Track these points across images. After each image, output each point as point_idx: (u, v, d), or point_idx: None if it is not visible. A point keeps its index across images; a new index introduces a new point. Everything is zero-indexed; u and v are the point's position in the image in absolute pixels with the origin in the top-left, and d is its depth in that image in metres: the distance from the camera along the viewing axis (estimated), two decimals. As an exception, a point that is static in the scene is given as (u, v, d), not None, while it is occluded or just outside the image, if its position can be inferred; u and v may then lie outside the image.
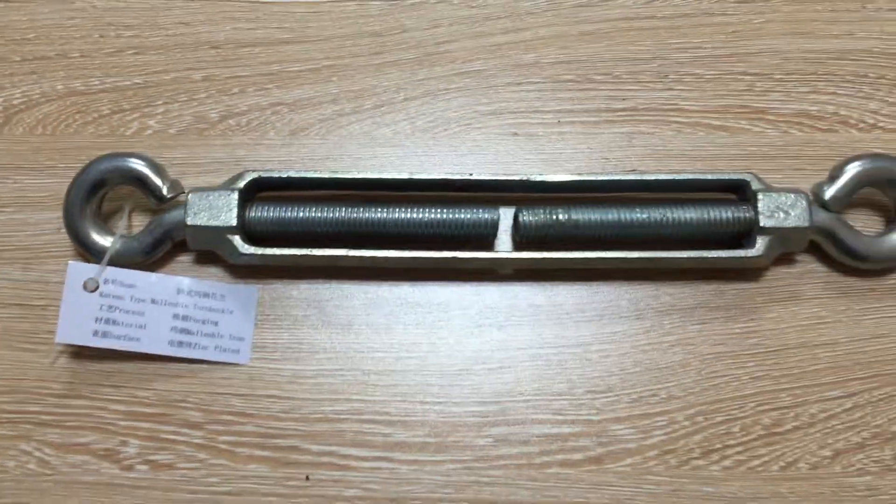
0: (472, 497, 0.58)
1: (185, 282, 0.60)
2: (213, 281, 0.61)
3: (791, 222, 0.59)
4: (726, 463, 0.58)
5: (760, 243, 0.59)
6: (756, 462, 0.58)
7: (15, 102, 0.66)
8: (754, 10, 0.68)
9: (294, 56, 0.67)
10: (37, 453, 0.58)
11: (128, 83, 0.66)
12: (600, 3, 0.68)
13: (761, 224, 0.59)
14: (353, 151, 0.65)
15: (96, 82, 0.66)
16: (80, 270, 0.59)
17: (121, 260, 0.60)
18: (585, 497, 0.58)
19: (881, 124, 0.65)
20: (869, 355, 0.60)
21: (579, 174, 0.62)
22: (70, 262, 0.59)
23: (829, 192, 0.60)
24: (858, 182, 0.60)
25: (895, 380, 0.60)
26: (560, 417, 0.59)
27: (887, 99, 0.66)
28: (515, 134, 0.66)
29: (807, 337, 0.61)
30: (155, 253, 0.61)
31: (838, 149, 0.64)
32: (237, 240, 0.59)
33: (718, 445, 0.58)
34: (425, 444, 0.59)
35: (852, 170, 0.60)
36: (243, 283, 0.62)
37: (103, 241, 0.61)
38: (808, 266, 0.62)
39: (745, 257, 0.59)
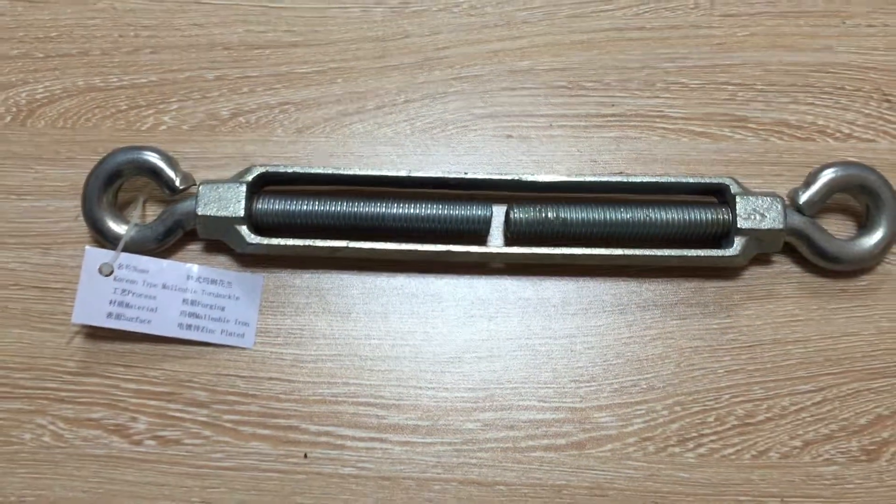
0: (460, 477, 0.60)
1: (195, 269, 0.63)
2: (221, 269, 0.64)
3: (767, 224, 0.62)
4: (701, 451, 0.61)
5: (737, 244, 0.62)
6: (730, 450, 0.61)
7: (38, 97, 0.68)
8: (738, 23, 0.70)
9: (302, 58, 0.70)
10: (51, 427, 0.61)
11: (144, 81, 0.69)
12: (592, 13, 0.71)
13: (738, 226, 0.62)
14: (355, 149, 0.68)
15: (115, 79, 0.69)
16: (96, 256, 0.62)
17: (134, 246, 0.63)
18: (567, 480, 0.60)
19: (856, 134, 0.68)
20: (839, 352, 0.63)
21: (569, 175, 0.65)
22: (87, 247, 0.62)
23: (804, 197, 0.63)
24: (831, 188, 0.63)
25: (863, 376, 0.62)
26: (545, 404, 0.62)
27: (863, 110, 0.68)
28: (510, 136, 0.68)
29: (780, 334, 0.63)
30: (167, 241, 0.64)
31: (815, 156, 0.66)
32: (244, 230, 0.62)
33: (694, 434, 0.61)
34: (417, 427, 0.61)
35: (826, 176, 0.63)
36: (249, 271, 0.65)
37: (118, 228, 0.63)
38: (784, 266, 0.65)
39: (723, 257, 0.62)
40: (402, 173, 0.64)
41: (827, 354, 0.63)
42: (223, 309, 0.63)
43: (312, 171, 0.64)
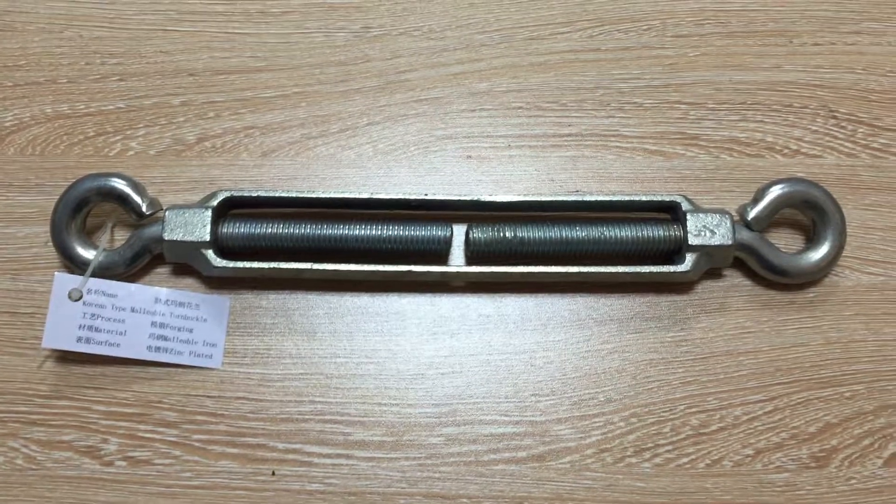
0: (424, 491, 0.62)
1: (163, 292, 0.65)
2: (189, 291, 0.65)
3: (716, 241, 0.64)
4: (657, 460, 0.63)
5: (689, 260, 0.64)
6: (684, 460, 0.63)
7: (6, 124, 0.70)
8: (689, 44, 0.72)
9: (266, 83, 0.71)
10: (24, 450, 0.62)
11: (111, 107, 0.70)
12: (549, 36, 0.73)
13: (689, 242, 0.63)
14: (319, 172, 0.69)
15: (82, 106, 0.70)
16: (66, 281, 0.63)
17: (103, 271, 0.64)
18: (529, 491, 0.62)
19: (804, 150, 0.70)
20: (789, 362, 0.65)
21: (526, 195, 0.67)
22: (56, 273, 0.63)
23: (752, 213, 0.65)
24: (778, 203, 0.65)
25: (812, 385, 0.64)
26: (506, 418, 0.63)
27: (810, 127, 0.70)
28: (469, 157, 0.70)
29: (732, 345, 0.65)
30: (134, 265, 0.65)
31: (764, 172, 0.69)
32: (210, 254, 0.64)
33: (650, 444, 0.63)
34: (382, 443, 0.63)
35: (773, 192, 0.65)
36: (216, 293, 0.66)
37: (87, 253, 0.65)
38: (735, 280, 0.67)
39: (675, 272, 0.64)
40: (365, 195, 0.65)
41: (777, 365, 0.65)
42: (191, 331, 0.64)
43: (277, 194, 0.65)
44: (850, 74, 0.72)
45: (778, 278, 0.65)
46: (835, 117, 0.71)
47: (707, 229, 0.63)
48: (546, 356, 0.65)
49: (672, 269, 0.64)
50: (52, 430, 0.63)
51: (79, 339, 0.62)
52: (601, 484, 0.62)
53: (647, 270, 0.64)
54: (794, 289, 0.66)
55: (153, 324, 0.64)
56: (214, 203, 0.64)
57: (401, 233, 0.64)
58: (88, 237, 0.66)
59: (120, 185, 0.65)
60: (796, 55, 0.72)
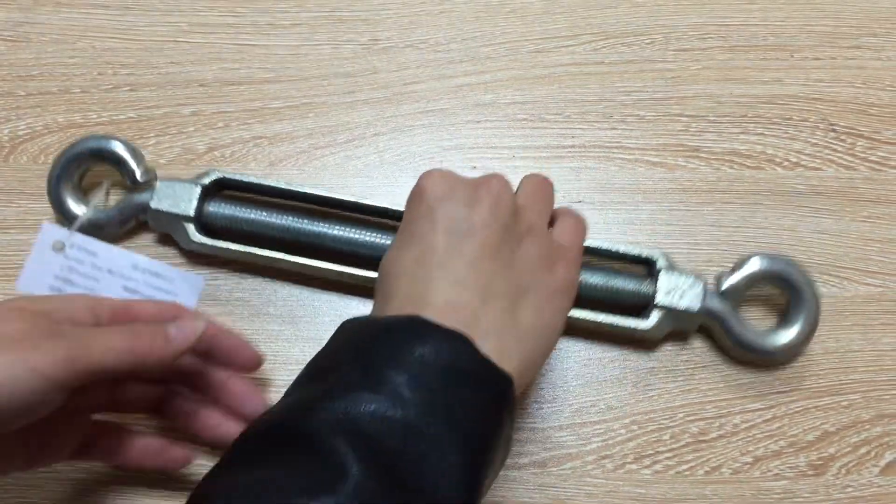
0: (428, 496, 0.63)
1: (142, 260, 0.65)
2: (167, 264, 0.65)
3: (683, 304, 0.62)
4: (657, 467, 0.64)
5: (653, 317, 0.63)
6: (684, 467, 0.64)
7: (20, 133, 0.71)
8: (691, 58, 0.74)
9: (274, 94, 0.72)
10: None
11: (123, 117, 0.72)
12: (553, 49, 0.74)
13: (656, 301, 0.62)
14: (326, 181, 0.70)
15: (94, 116, 0.72)
16: (52, 231, 0.64)
17: (92, 230, 0.66)
18: (531, 497, 0.63)
19: (804, 162, 0.71)
20: (787, 372, 0.65)
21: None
22: (45, 223, 0.64)
23: (727, 283, 0.63)
24: (755, 278, 0.64)
25: (810, 394, 0.65)
26: (509, 425, 0.65)
27: (810, 140, 0.71)
28: (474, 167, 0.71)
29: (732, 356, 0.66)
30: (122, 228, 0.67)
31: (764, 184, 0.70)
32: (191, 228, 0.65)
33: (650, 451, 0.64)
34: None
35: (752, 266, 0.64)
36: (195, 271, 0.67)
37: (79, 209, 0.67)
38: (734, 290, 0.68)
39: (636, 329, 0.63)
40: (349, 198, 0.66)
41: (776, 374, 0.66)
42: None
43: (265, 182, 0.66)
44: (850, 88, 0.73)
45: (741, 353, 0.64)
46: (834, 130, 0.72)
47: (677, 290, 0.63)
48: (548, 365, 0.66)
49: (634, 324, 0.63)
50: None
51: (51, 288, 0.64)
52: (602, 490, 0.63)
53: (609, 322, 0.63)
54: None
55: (125, 288, 0.64)
56: (206, 181, 0.66)
57: (379, 240, 0.65)
58: (85, 195, 0.68)
59: (119, 148, 0.67)
60: (796, 69, 0.73)
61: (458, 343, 0.46)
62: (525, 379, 0.50)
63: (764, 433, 0.64)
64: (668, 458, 0.64)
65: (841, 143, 0.71)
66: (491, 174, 0.53)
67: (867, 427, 0.64)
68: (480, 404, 0.46)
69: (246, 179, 0.67)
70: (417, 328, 0.46)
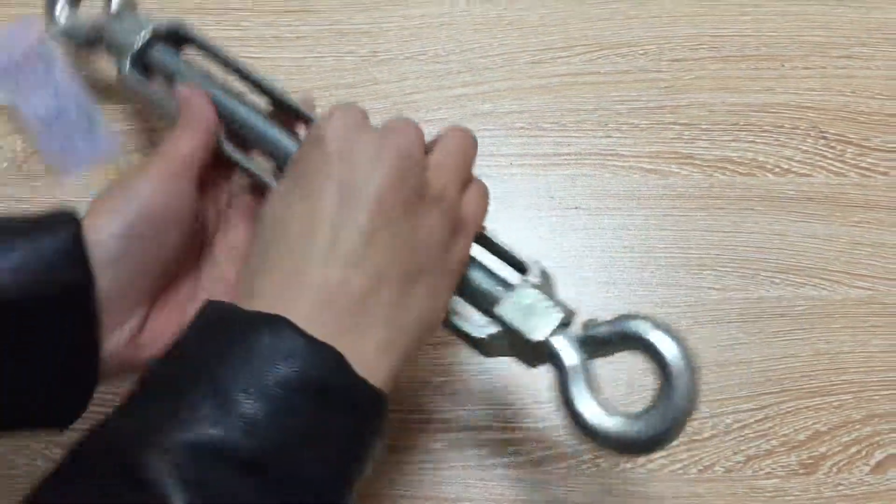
0: (428, 494, 0.64)
1: (84, 102, 0.70)
2: (101, 114, 0.70)
3: (524, 327, 0.52)
4: (651, 466, 0.65)
5: (489, 328, 0.53)
6: (677, 465, 0.65)
7: (33, 143, 0.73)
8: (684, 68, 0.75)
9: (279, 104, 0.75)
10: (45, 451, 0.63)
11: (134, 129, 0.73)
12: (550, 60, 0.76)
13: (500, 311, 0.52)
14: (329, 189, 0.72)
15: (105, 126, 0.74)
16: (33, 21, 0.69)
17: (66, 33, 0.68)
18: (529, 495, 0.64)
19: (794, 169, 0.72)
20: (779, 373, 0.67)
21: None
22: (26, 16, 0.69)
23: (592, 329, 0.52)
24: (617, 335, 0.52)
25: (802, 395, 0.66)
26: (506, 424, 0.66)
27: (800, 147, 0.73)
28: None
29: (724, 356, 0.67)
30: (88, 46, 0.67)
31: (756, 190, 0.71)
32: (125, 62, 0.62)
33: (645, 450, 0.65)
34: (382, 447, 0.65)
35: (621, 323, 0.51)
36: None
37: (63, 15, 0.68)
38: (727, 294, 0.69)
39: (469, 333, 0.54)
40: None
41: (768, 375, 0.67)
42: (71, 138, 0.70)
43: (225, 53, 0.62)
44: (840, 97, 0.75)
45: (568, 423, 0.51)
46: (825, 138, 0.73)
47: (529, 311, 0.51)
48: (546, 364, 0.67)
49: (470, 328, 0.53)
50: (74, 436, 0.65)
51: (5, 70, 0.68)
52: (597, 488, 0.64)
53: (451, 321, 0.53)
54: (786, 302, 0.68)
55: (52, 107, 0.69)
56: (163, 26, 0.62)
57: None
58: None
59: None
60: (788, 78, 0.75)
61: (329, 359, 0.40)
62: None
63: (756, 433, 0.65)
64: (661, 457, 0.65)
65: (831, 150, 0.73)
66: (403, 120, 0.47)
67: (858, 427, 0.66)
68: (349, 431, 0.41)
69: (210, 43, 0.62)
70: (284, 340, 0.40)
